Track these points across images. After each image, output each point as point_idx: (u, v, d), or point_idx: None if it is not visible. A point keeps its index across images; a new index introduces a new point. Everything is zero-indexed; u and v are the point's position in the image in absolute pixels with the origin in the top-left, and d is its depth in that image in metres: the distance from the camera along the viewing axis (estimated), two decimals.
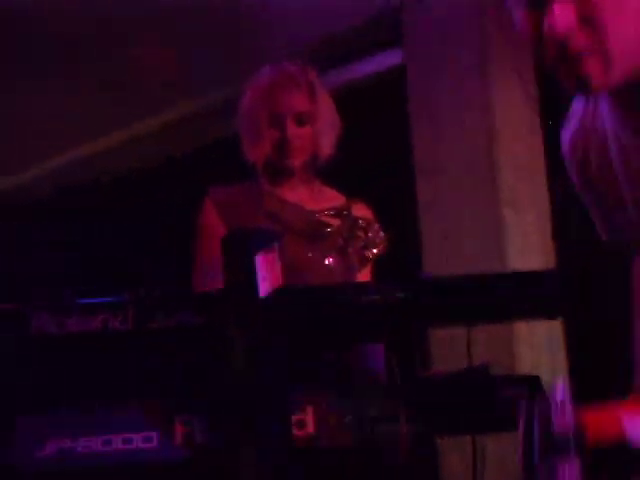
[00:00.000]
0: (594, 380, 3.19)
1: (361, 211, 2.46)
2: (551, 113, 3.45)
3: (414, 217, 3.38)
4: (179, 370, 1.96)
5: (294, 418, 1.74)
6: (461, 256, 3.29)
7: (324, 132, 2.40)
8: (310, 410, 1.75)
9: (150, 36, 4.01)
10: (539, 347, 3.06)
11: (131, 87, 4.34)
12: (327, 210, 2.43)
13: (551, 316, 2.04)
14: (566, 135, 1.92)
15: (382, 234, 2.42)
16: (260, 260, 1.62)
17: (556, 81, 3.37)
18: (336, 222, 2.41)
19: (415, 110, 3.47)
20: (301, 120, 2.37)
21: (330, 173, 2.53)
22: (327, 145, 2.40)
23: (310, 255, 2.34)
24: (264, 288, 1.65)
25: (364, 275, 2.40)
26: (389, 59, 3.72)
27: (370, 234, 2.41)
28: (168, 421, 1.73)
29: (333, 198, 2.50)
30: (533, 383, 1.88)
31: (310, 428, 1.76)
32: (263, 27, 3.83)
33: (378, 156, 3.63)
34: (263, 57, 3.81)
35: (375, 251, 2.40)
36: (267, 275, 1.66)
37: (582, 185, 1.96)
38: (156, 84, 4.30)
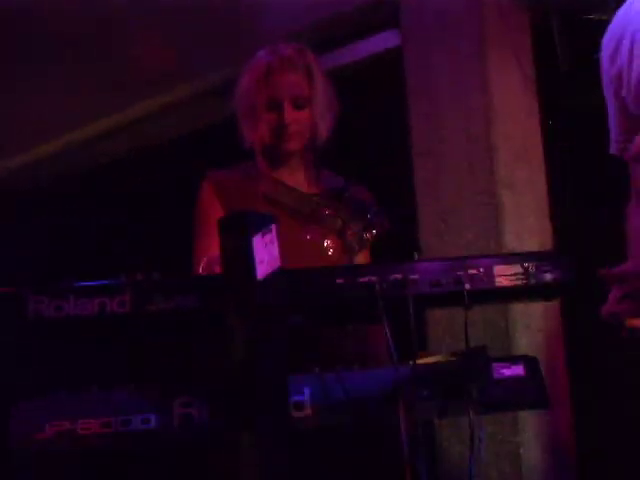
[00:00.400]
0: (591, 363, 3.20)
1: (361, 194, 2.46)
2: (548, 97, 3.45)
3: (411, 199, 3.37)
4: (177, 353, 1.97)
5: (292, 400, 1.75)
6: (458, 238, 3.29)
7: (322, 115, 2.35)
8: (308, 392, 1.76)
9: (148, 22, 3.99)
10: (535, 329, 3.07)
11: (129, 70, 4.32)
12: (326, 193, 2.43)
13: (548, 298, 2.05)
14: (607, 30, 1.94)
15: (382, 216, 2.42)
16: (257, 243, 1.62)
17: (553, 60, 3.37)
18: (334, 204, 2.41)
19: (412, 92, 3.45)
20: (299, 104, 2.31)
21: (328, 155, 2.52)
22: (325, 128, 2.37)
23: (308, 237, 2.33)
24: (262, 271, 1.64)
25: (363, 257, 2.40)
26: (387, 41, 3.70)
27: (369, 216, 2.41)
28: (167, 403, 1.73)
29: (332, 181, 2.48)
30: (530, 363, 1.89)
31: (308, 410, 1.77)
32: (261, 8, 3.81)
33: (376, 138, 3.62)
34: (261, 38, 3.80)
35: (374, 232, 2.39)
36: (264, 258, 1.66)
37: (608, 80, 1.95)
38: (154, 67, 4.27)
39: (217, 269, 1.91)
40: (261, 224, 1.66)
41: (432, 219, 3.34)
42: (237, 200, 2.33)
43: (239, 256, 1.63)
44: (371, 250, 2.46)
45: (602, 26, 3.25)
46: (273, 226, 1.68)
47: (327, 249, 2.34)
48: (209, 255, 2.16)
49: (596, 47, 3.25)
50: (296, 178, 2.44)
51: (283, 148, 2.38)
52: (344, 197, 2.41)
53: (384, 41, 3.70)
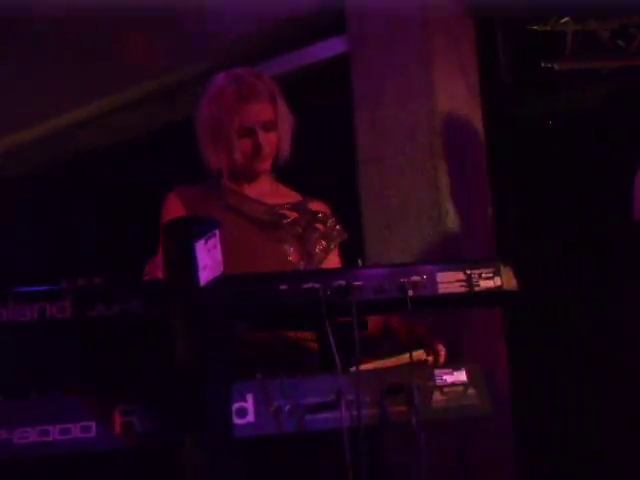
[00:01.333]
0: (533, 366, 3.24)
1: (318, 207, 2.55)
2: (492, 107, 3.48)
3: (356, 205, 3.39)
4: (119, 359, 1.94)
5: (235, 406, 1.74)
6: (402, 244, 3.30)
7: (286, 134, 2.50)
8: (250, 398, 1.75)
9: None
10: (478, 332, 3.09)
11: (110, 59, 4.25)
12: (286, 204, 2.52)
13: (490, 305, 2.07)
14: None
15: (339, 227, 2.50)
16: (200, 248, 1.61)
17: (497, 74, 3.41)
18: (294, 214, 2.50)
19: (358, 99, 3.46)
20: (267, 127, 2.46)
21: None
22: (288, 146, 2.53)
23: (270, 244, 2.38)
24: (205, 276, 1.63)
25: (332, 263, 2.47)
26: (333, 47, 3.71)
27: (328, 226, 2.49)
28: (107, 411, 1.71)
29: (291, 195, 2.60)
30: (473, 370, 1.90)
31: (251, 417, 1.76)
32: (211, 11, 3.79)
33: (320, 145, 3.62)
34: (212, 41, 3.79)
35: (333, 242, 2.48)
36: (208, 263, 1.64)
37: None
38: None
39: (160, 274, 1.89)
40: (204, 229, 1.65)
41: (377, 226, 3.35)
42: (201, 210, 2.39)
43: (182, 261, 1.61)
44: (341, 256, 2.51)
45: (545, 37, 3.30)
46: (217, 231, 1.67)
47: (287, 256, 2.39)
48: (153, 260, 2.16)
49: (539, 58, 3.31)
50: (258, 191, 2.54)
51: (256, 169, 2.49)
52: (303, 209, 2.49)
53: (331, 47, 3.71)
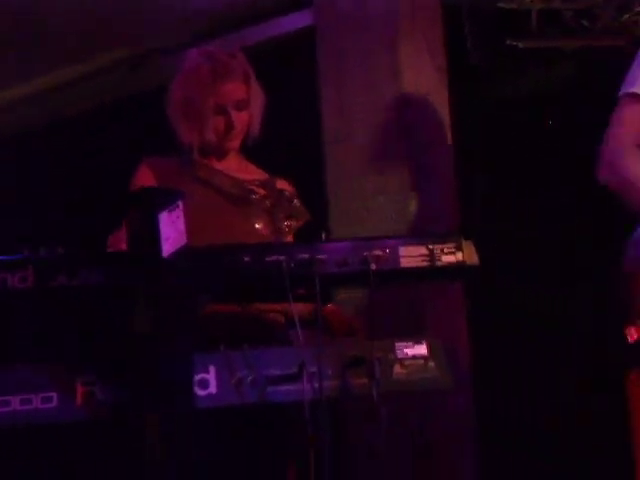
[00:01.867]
0: (493, 342, 3.28)
1: (284, 185, 2.58)
2: (459, 88, 3.50)
3: (322, 185, 3.39)
4: (81, 330, 1.94)
5: (196, 377, 1.75)
6: (368, 223, 3.31)
7: (257, 113, 2.54)
8: (212, 370, 1.76)
9: None
10: (439, 307, 3.12)
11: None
12: (254, 181, 2.55)
13: (452, 279, 2.09)
14: None
15: (303, 208, 2.54)
16: (163, 219, 1.61)
17: (465, 55, 3.42)
18: (262, 191, 2.53)
19: (323, 76, 3.46)
20: (239, 106, 2.49)
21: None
22: (258, 125, 2.55)
23: (240, 218, 2.41)
24: (167, 248, 1.63)
25: None
26: (300, 20, 3.70)
27: (293, 205, 2.52)
28: (69, 382, 1.70)
29: (257, 172, 2.65)
30: (433, 343, 1.93)
31: (212, 388, 1.77)
32: None
33: (286, 123, 3.61)
34: (179, 15, 3.75)
35: (296, 222, 2.51)
36: (171, 234, 1.65)
37: None
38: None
39: (124, 246, 1.89)
40: (168, 200, 1.65)
41: (343, 208, 3.37)
42: (171, 182, 2.39)
43: (145, 232, 1.61)
44: (295, 239, 2.52)
45: (510, 16, 3.32)
46: (180, 202, 1.67)
47: (257, 229, 2.41)
48: (118, 232, 2.16)
49: (504, 36, 3.33)
50: (227, 167, 2.56)
51: (226, 146, 2.52)
52: (271, 186, 2.51)
53: (297, 20, 3.70)
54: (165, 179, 2.44)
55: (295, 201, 2.55)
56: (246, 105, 2.49)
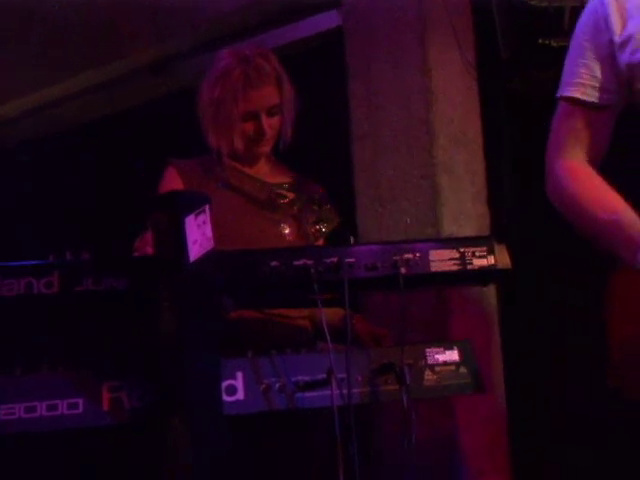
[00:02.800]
0: (526, 350, 3.25)
1: (315, 189, 2.55)
2: (489, 82, 3.47)
3: (349, 182, 3.38)
4: (107, 335, 1.94)
5: (224, 384, 1.74)
6: (396, 222, 3.30)
7: (289, 119, 2.47)
8: (240, 376, 1.76)
9: None
10: (470, 313, 3.10)
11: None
12: (284, 184, 2.51)
13: (483, 283, 2.08)
14: None
15: (334, 211, 2.50)
16: (190, 223, 1.61)
17: (494, 47, 3.40)
18: (291, 195, 2.49)
19: (352, 74, 3.44)
20: (272, 112, 2.42)
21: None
22: (290, 129, 2.47)
23: (267, 223, 2.38)
24: (194, 252, 1.63)
25: None
26: (327, 21, 3.70)
27: (323, 209, 2.49)
28: (95, 387, 1.71)
29: (288, 175, 2.57)
30: (464, 348, 1.91)
31: (240, 394, 1.76)
32: None
33: (314, 120, 3.61)
34: (201, 15, 3.76)
35: (326, 226, 2.47)
36: (197, 238, 1.64)
37: None
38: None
39: (150, 250, 1.89)
40: (194, 204, 1.65)
41: (370, 203, 3.35)
42: (198, 185, 2.37)
43: (171, 237, 1.61)
44: (326, 243, 2.51)
45: (542, 13, 3.29)
46: (207, 206, 1.67)
47: (285, 234, 2.39)
48: (144, 236, 2.15)
49: (536, 35, 3.30)
50: (257, 170, 2.52)
51: (257, 152, 2.48)
52: (300, 189, 2.48)
53: (325, 21, 3.69)
54: (192, 181, 2.41)
55: (325, 205, 2.52)
56: (279, 110, 2.43)
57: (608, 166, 1.99)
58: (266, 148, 2.48)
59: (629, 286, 1.83)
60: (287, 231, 2.42)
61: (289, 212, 2.45)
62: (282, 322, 2.25)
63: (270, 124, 2.43)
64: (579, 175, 1.94)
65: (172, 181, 2.42)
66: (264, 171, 2.52)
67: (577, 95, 1.94)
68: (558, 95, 1.99)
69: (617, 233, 1.83)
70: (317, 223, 2.48)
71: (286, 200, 2.47)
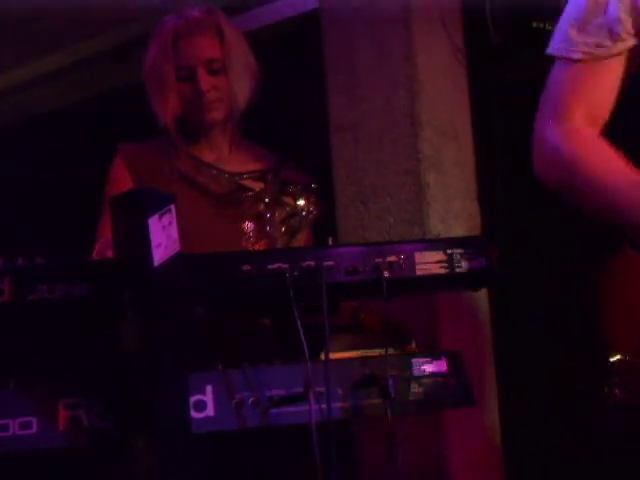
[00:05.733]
0: (521, 358, 3.26)
1: (292, 176, 2.43)
2: (479, 70, 3.47)
3: (328, 177, 3.37)
4: (63, 348, 1.92)
5: (192, 399, 1.73)
6: (378, 222, 3.29)
7: (239, 78, 2.30)
8: (210, 390, 1.74)
9: None
10: (461, 321, 3.10)
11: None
12: (249, 173, 2.39)
13: (473, 288, 2.07)
14: None
15: (314, 199, 2.39)
16: (153, 224, 1.59)
17: (485, 32, 3.40)
18: (259, 186, 2.38)
19: (331, 60, 3.43)
20: (213, 68, 2.27)
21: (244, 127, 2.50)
22: (243, 93, 2.32)
23: (225, 223, 2.30)
24: (158, 255, 1.62)
25: (303, 240, 2.38)
26: (303, 3, 3.68)
27: (300, 202, 2.40)
28: (50, 405, 1.69)
29: (259, 159, 2.44)
30: (454, 358, 1.91)
31: (210, 410, 1.75)
32: None
33: (291, 110, 3.60)
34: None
35: (303, 223, 2.37)
36: (162, 241, 1.63)
37: None
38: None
39: (110, 253, 1.88)
40: (158, 204, 1.63)
41: (351, 201, 3.35)
42: (150, 178, 2.29)
43: (133, 239, 1.60)
44: (315, 233, 2.44)
45: None
46: (172, 206, 1.65)
47: (246, 234, 2.33)
48: (103, 238, 2.12)
49: (530, 17, 3.30)
50: (216, 154, 2.41)
51: (203, 120, 2.34)
52: (271, 179, 2.40)
53: (300, 3, 3.68)
54: (141, 173, 2.30)
55: (303, 195, 2.41)
56: (221, 67, 2.29)
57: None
58: (215, 114, 2.33)
59: (625, 292, 1.82)
60: (249, 230, 2.33)
61: (254, 208, 2.36)
62: (243, 330, 2.23)
63: (211, 83, 2.29)
64: (582, 137, 1.86)
65: (117, 172, 2.33)
66: (226, 157, 2.41)
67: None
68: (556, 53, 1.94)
69: (633, 197, 1.75)
70: (291, 217, 2.38)
71: (251, 193, 2.37)
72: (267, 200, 2.39)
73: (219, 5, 2.50)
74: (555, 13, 3.10)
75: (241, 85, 2.34)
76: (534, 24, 3.21)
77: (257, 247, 2.35)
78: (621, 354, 1.80)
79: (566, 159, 1.86)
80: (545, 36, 2.08)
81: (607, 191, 1.81)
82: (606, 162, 1.83)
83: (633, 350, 1.78)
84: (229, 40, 2.31)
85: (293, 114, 3.58)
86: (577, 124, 1.88)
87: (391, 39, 3.31)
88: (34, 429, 1.66)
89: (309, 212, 2.43)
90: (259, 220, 2.37)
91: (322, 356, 1.77)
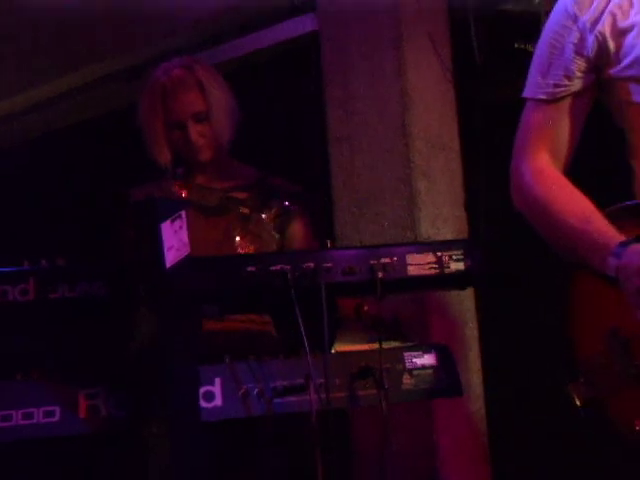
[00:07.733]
0: (505, 352, 3.26)
1: (277, 182, 2.53)
2: (465, 88, 3.48)
3: (326, 186, 3.38)
4: (83, 342, 1.93)
5: (202, 390, 1.74)
6: (373, 226, 3.30)
7: (222, 122, 2.45)
8: (218, 382, 1.75)
9: None
10: (450, 317, 3.11)
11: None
12: (237, 186, 2.49)
13: (461, 287, 2.08)
14: None
15: (299, 200, 2.45)
16: (166, 229, 1.60)
17: (470, 51, 3.41)
18: (243, 195, 2.47)
19: (328, 77, 3.45)
20: (198, 118, 2.42)
21: (243, 144, 2.54)
22: (226, 134, 2.47)
23: (213, 230, 2.36)
24: (170, 257, 1.63)
25: (300, 240, 2.43)
26: (303, 25, 3.70)
27: (286, 203, 2.46)
28: (72, 395, 1.70)
29: (245, 176, 2.55)
30: (442, 352, 1.92)
31: (218, 400, 1.76)
32: None
33: (292, 123, 3.62)
34: (170, 24, 3.75)
35: (291, 221, 2.43)
36: (174, 244, 1.64)
37: None
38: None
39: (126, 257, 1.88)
40: (171, 210, 1.64)
41: (347, 206, 3.35)
42: None
43: (147, 243, 1.61)
44: (311, 231, 2.47)
45: (518, 17, 3.30)
46: (183, 212, 1.67)
47: (233, 237, 2.37)
48: (119, 242, 2.15)
49: (512, 38, 3.31)
50: (209, 177, 2.51)
51: (194, 160, 2.47)
52: (255, 188, 2.46)
53: (300, 25, 3.69)
54: None
55: (290, 198, 2.48)
56: (205, 116, 2.43)
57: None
58: (205, 155, 2.46)
59: (591, 295, 1.81)
60: (236, 234, 2.39)
61: (241, 214, 2.43)
62: (245, 329, 2.25)
63: (199, 131, 2.43)
64: (545, 177, 1.87)
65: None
66: (215, 177, 2.51)
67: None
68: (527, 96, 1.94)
69: (587, 238, 1.77)
70: (276, 217, 2.44)
71: (238, 202, 2.45)
72: (254, 204, 2.47)
73: (225, 28, 2.52)
74: (536, 35, 3.11)
75: (223, 128, 2.47)
76: (516, 45, 3.22)
77: (250, 249, 2.40)
78: (586, 354, 1.81)
79: (531, 200, 1.88)
80: (526, 56, 2.09)
81: (564, 232, 1.82)
82: (564, 203, 1.84)
83: (597, 350, 1.78)
84: (209, 92, 2.44)
85: (294, 126, 3.58)
86: (541, 164, 1.89)
87: (383, 58, 3.32)
88: (57, 417, 1.67)
89: (294, 210, 2.49)
90: (248, 223, 2.44)
91: (335, 348, 1.79)
